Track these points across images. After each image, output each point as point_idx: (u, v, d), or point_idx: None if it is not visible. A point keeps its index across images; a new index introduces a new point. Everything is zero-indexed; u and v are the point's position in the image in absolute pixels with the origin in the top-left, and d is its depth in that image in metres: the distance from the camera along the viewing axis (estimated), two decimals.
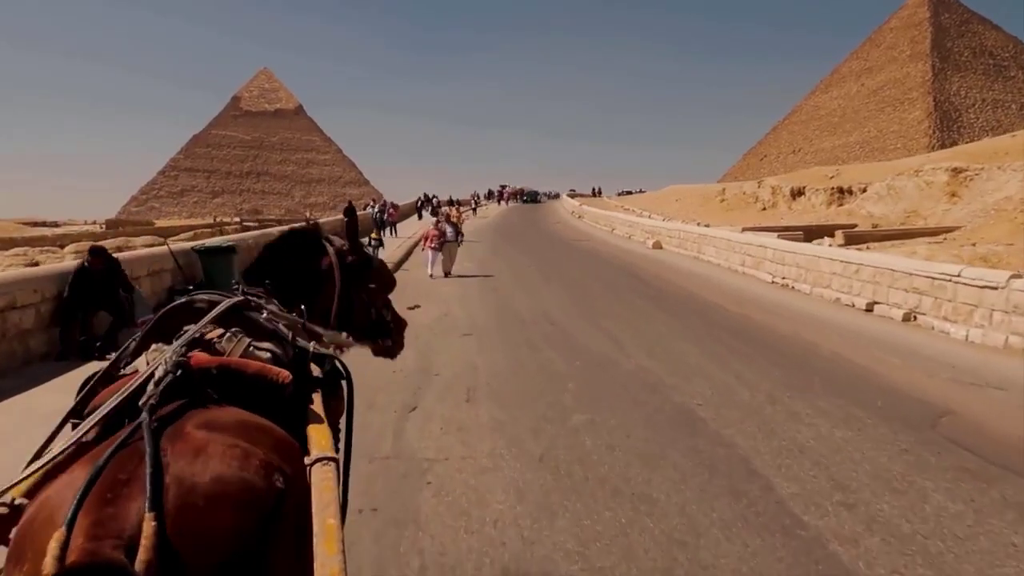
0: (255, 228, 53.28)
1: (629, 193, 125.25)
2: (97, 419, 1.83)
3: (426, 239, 20.75)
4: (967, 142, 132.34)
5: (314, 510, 1.74)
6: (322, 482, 1.84)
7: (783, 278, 18.43)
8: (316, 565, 1.60)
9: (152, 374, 1.92)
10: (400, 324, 3.82)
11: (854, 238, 28.23)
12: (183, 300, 2.47)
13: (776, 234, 28.03)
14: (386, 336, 3.69)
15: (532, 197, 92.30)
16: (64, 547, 1.31)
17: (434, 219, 36.96)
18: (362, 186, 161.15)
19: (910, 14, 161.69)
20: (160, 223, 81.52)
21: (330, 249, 3.31)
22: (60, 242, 50.59)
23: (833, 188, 41.48)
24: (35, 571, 1.33)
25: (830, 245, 25.63)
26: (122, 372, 2.25)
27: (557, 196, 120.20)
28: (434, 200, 56.60)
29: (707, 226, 34.88)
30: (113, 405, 1.84)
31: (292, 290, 3.08)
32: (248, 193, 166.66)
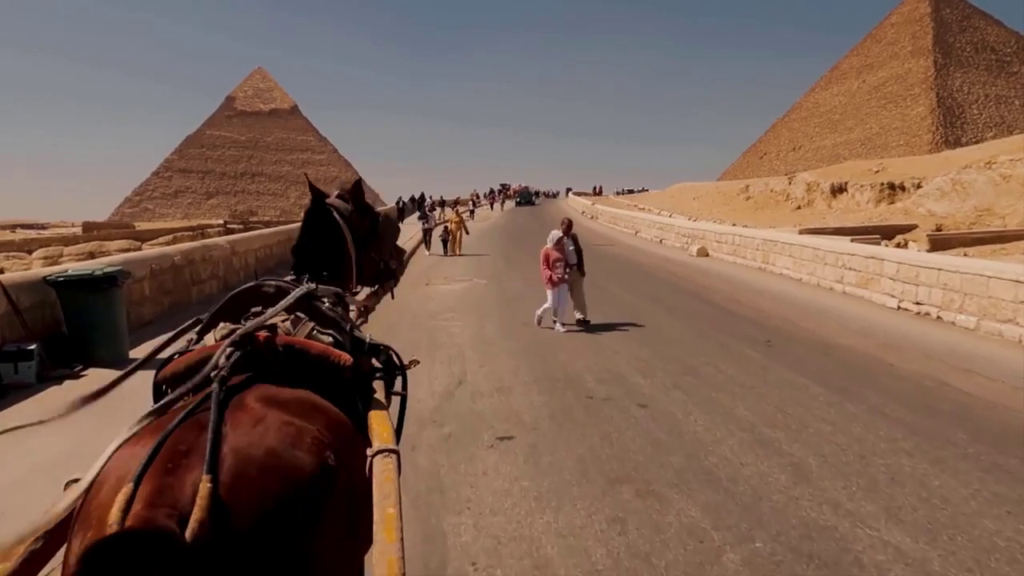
0: (240, 231, 47.75)
1: (631, 192, 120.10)
2: (166, 402, 1.80)
3: (547, 266, 12.25)
4: (971, 139, 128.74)
5: (375, 499, 1.75)
6: (383, 473, 1.84)
7: (917, 303, 13.05)
8: (376, 552, 1.61)
9: (224, 349, 1.93)
10: (400, 254, 3.74)
11: (941, 242, 22.90)
12: (251, 284, 2.50)
13: (848, 237, 22.74)
14: (388, 279, 3.59)
15: (525, 199, 75.75)
16: (127, 507, 1.34)
17: (421, 223, 29.48)
18: None
19: (911, 9, 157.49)
20: (142, 226, 75.86)
21: (340, 221, 3.06)
22: (28, 247, 45.17)
23: (882, 184, 36.01)
24: (98, 535, 1.32)
25: (918, 250, 20.29)
26: (190, 349, 2.23)
27: (555, 195, 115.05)
28: (427, 202, 49.56)
29: (745, 226, 29.55)
30: (186, 388, 1.81)
31: (319, 265, 2.90)
32: (243, 194, 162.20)
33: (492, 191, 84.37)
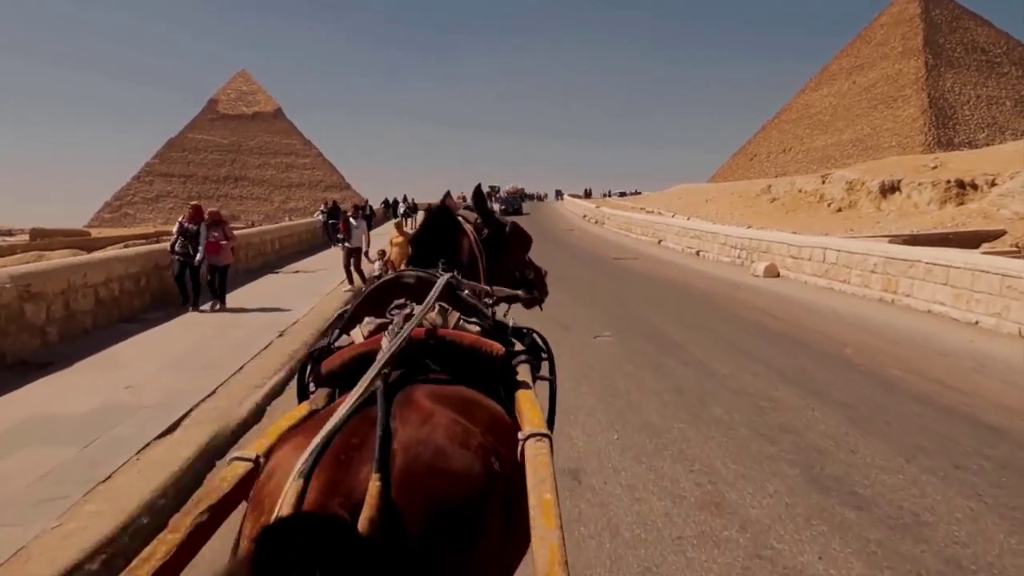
0: None
1: (624, 194, 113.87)
2: (360, 396, 1.66)
3: None
4: (963, 140, 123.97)
5: (530, 485, 1.61)
6: (536, 457, 1.70)
7: None
8: (535, 539, 1.47)
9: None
10: (540, 274, 3.60)
11: None
12: (392, 276, 2.46)
13: (979, 249, 16.01)
14: (531, 291, 3.47)
15: (511, 205, 57.66)
16: (301, 497, 1.34)
17: (339, 244, 17.30)
18: (343, 190, 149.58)
19: (900, 10, 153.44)
20: (100, 232, 68.50)
21: (467, 228, 3.08)
22: None
23: (947, 182, 29.32)
24: (270, 519, 1.34)
25: None
26: (336, 345, 2.15)
27: (543, 198, 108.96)
28: (401, 205, 42.03)
29: (777, 231, 22.85)
30: (370, 379, 1.70)
31: (440, 253, 2.85)
32: (226, 198, 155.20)
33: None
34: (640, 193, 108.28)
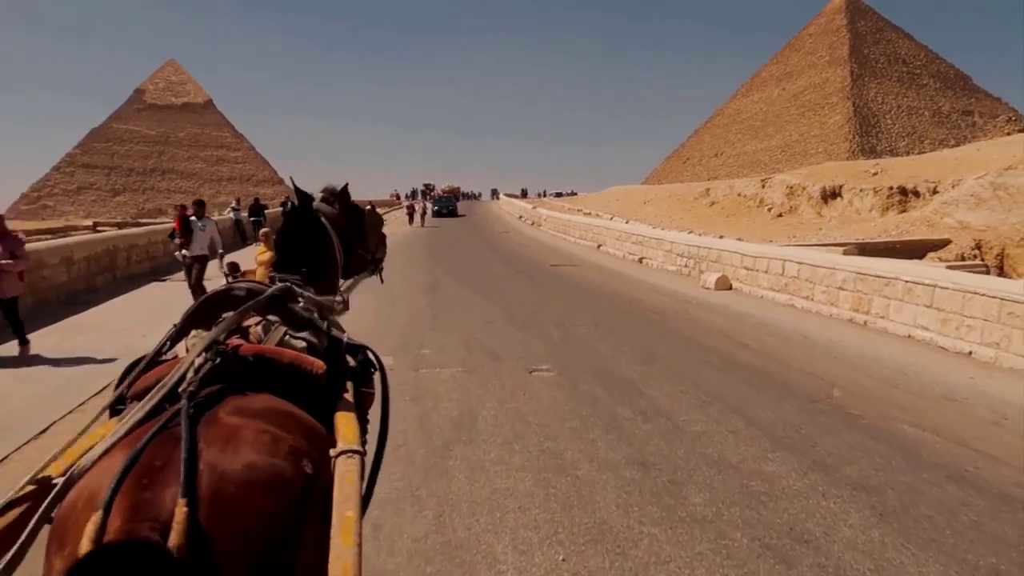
0: (111, 230, 37.06)
1: (560, 195, 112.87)
2: (146, 409, 1.62)
3: None
4: (886, 148, 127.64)
5: (335, 501, 1.59)
6: (345, 475, 1.67)
7: None
8: (331, 557, 1.45)
9: (193, 361, 1.78)
10: (383, 241, 3.59)
11: None
12: (222, 288, 2.29)
13: (925, 259, 14.80)
14: (374, 266, 3.47)
15: (447, 206, 54.96)
16: (101, 529, 1.26)
17: (179, 252, 12.52)
18: (276, 185, 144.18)
19: (828, 20, 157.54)
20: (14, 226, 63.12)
21: (325, 222, 2.90)
22: None
23: (890, 188, 28.42)
24: (75, 553, 1.26)
25: None
26: (163, 358, 2.05)
27: (478, 196, 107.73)
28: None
29: (721, 236, 21.47)
30: (161, 395, 1.66)
31: (302, 261, 2.75)
32: (152, 191, 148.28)
33: (415, 191, 74.07)
34: (576, 194, 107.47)
